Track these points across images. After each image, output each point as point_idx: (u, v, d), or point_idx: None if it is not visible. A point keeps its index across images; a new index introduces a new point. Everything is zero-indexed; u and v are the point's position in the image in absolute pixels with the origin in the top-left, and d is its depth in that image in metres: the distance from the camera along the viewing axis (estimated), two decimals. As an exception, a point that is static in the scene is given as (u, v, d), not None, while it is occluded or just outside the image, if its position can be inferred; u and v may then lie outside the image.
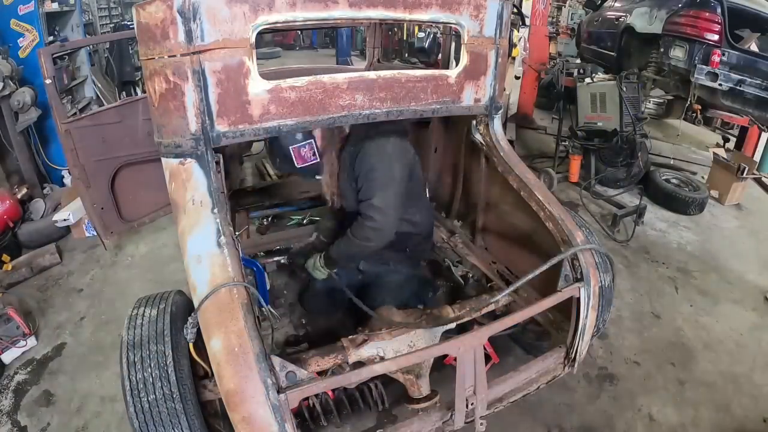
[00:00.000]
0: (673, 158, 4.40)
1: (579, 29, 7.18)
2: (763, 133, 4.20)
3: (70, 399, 2.03)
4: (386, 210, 1.75)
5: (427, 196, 2.35)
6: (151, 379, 1.24)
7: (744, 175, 3.88)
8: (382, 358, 1.55)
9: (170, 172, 1.36)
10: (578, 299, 1.53)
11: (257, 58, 1.31)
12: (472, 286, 2.12)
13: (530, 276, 1.45)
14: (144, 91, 1.75)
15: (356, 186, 1.83)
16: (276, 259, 2.40)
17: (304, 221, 3.27)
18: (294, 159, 1.78)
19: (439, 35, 8.34)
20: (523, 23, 4.90)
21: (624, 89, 3.68)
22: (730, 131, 5.41)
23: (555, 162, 4.30)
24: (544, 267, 1.46)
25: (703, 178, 4.33)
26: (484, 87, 1.70)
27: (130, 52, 5.68)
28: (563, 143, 4.36)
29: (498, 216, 2.08)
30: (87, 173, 2.20)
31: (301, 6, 1.28)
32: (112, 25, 6.45)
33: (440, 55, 7.27)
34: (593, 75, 4.02)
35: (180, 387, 1.25)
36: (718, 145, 5.12)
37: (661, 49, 4.18)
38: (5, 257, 2.85)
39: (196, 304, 1.19)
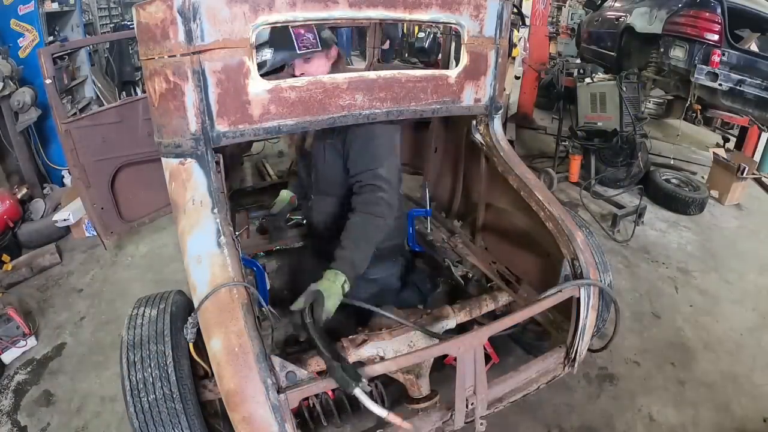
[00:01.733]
0: (673, 158, 4.40)
1: (579, 29, 7.18)
2: (763, 133, 4.21)
3: (70, 399, 2.03)
4: (392, 181, 1.56)
5: (428, 195, 2.36)
6: (151, 379, 1.24)
7: (744, 175, 3.88)
8: (382, 358, 1.55)
9: (170, 172, 1.36)
10: (578, 299, 1.53)
11: (257, 58, 1.31)
12: (472, 286, 2.12)
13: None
14: (144, 91, 1.75)
15: (345, 166, 1.66)
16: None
17: (304, 221, 3.27)
18: (295, 42, 1.52)
19: (439, 35, 8.34)
20: (523, 23, 4.90)
21: (624, 89, 3.68)
22: (730, 131, 5.42)
23: (555, 162, 4.30)
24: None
25: (703, 178, 4.32)
26: (484, 87, 1.69)
27: (130, 52, 5.68)
28: (563, 143, 4.36)
29: (498, 216, 2.08)
30: (87, 173, 2.20)
31: (301, 6, 1.28)
32: (112, 25, 6.44)
33: (440, 55, 7.27)
34: (593, 75, 4.02)
35: (180, 387, 1.25)
36: (718, 145, 5.12)
37: (661, 49, 4.18)
38: (5, 257, 2.85)
39: (196, 304, 1.19)
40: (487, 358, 1.60)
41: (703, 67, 3.73)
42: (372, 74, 1.47)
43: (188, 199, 1.32)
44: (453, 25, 1.56)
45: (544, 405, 1.98)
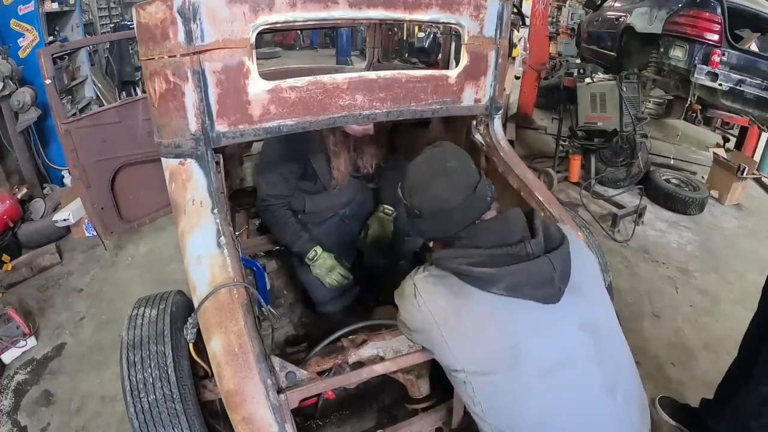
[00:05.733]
0: (673, 158, 4.40)
1: (579, 29, 7.19)
2: (763, 133, 4.21)
3: (70, 399, 2.03)
4: None
5: None
6: (151, 380, 1.23)
7: (744, 175, 3.88)
8: (382, 359, 1.55)
9: (170, 172, 1.36)
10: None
11: (257, 58, 1.31)
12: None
13: None
14: (144, 91, 1.75)
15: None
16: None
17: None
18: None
19: (439, 35, 8.35)
20: (523, 23, 4.90)
21: (624, 89, 3.68)
22: (730, 131, 5.42)
23: (555, 162, 4.30)
24: None
25: (703, 178, 4.32)
26: (484, 87, 1.69)
27: (130, 52, 5.67)
28: (563, 143, 4.37)
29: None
30: (87, 173, 2.20)
31: (301, 6, 1.28)
32: (112, 25, 6.44)
33: (440, 55, 7.27)
34: (593, 75, 4.02)
35: (180, 387, 1.25)
36: (718, 145, 5.12)
37: (661, 49, 4.19)
38: (5, 257, 2.85)
39: (196, 304, 1.19)
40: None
41: (703, 67, 3.73)
42: (372, 74, 1.47)
43: (188, 199, 1.32)
44: (453, 26, 1.56)
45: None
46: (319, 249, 1.93)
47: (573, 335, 1.02)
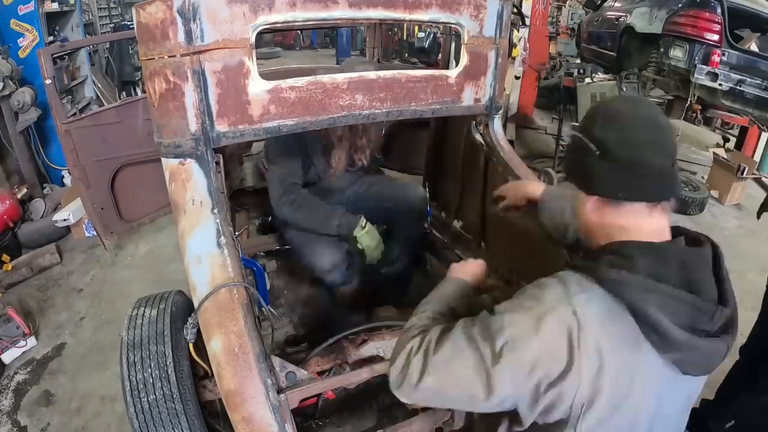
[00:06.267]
0: (673, 158, 4.40)
1: (579, 29, 7.19)
2: (763, 133, 4.21)
3: (70, 399, 2.03)
4: None
5: (428, 195, 2.38)
6: (151, 380, 1.24)
7: (744, 175, 3.88)
8: (382, 359, 1.55)
9: (170, 172, 1.36)
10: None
11: (257, 58, 1.31)
12: (472, 286, 2.12)
13: None
14: (144, 91, 1.75)
15: None
16: None
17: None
18: None
19: (439, 35, 8.35)
20: (523, 23, 4.91)
21: (624, 89, 3.68)
22: (730, 131, 5.42)
23: (555, 162, 4.30)
24: None
25: (703, 178, 4.32)
26: (484, 87, 1.69)
27: (130, 52, 5.68)
28: (563, 143, 4.37)
29: (498, 216, 2.08)
30: (87, 173, 2.20)
31: (301, 6, 1.28)
32: (112, 25, 6.44)
33: (440, 55, 7.28)
34: (593, 75, 4.02)
35: (180, 387, 1.25)
36: (718, 145, 5.12)
37: (661, 49, 4.19)
38: (5, 257, 2.85)
39: (196, 304, 1.19)
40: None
41: (703, 67, 3.73)
42: (372, 74, 1.47)
43: (188, 199, 1.32)
44: (453, 26, 1.57)
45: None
46: (364, 219, 1.85)
47: (678, 409, 0.90)
